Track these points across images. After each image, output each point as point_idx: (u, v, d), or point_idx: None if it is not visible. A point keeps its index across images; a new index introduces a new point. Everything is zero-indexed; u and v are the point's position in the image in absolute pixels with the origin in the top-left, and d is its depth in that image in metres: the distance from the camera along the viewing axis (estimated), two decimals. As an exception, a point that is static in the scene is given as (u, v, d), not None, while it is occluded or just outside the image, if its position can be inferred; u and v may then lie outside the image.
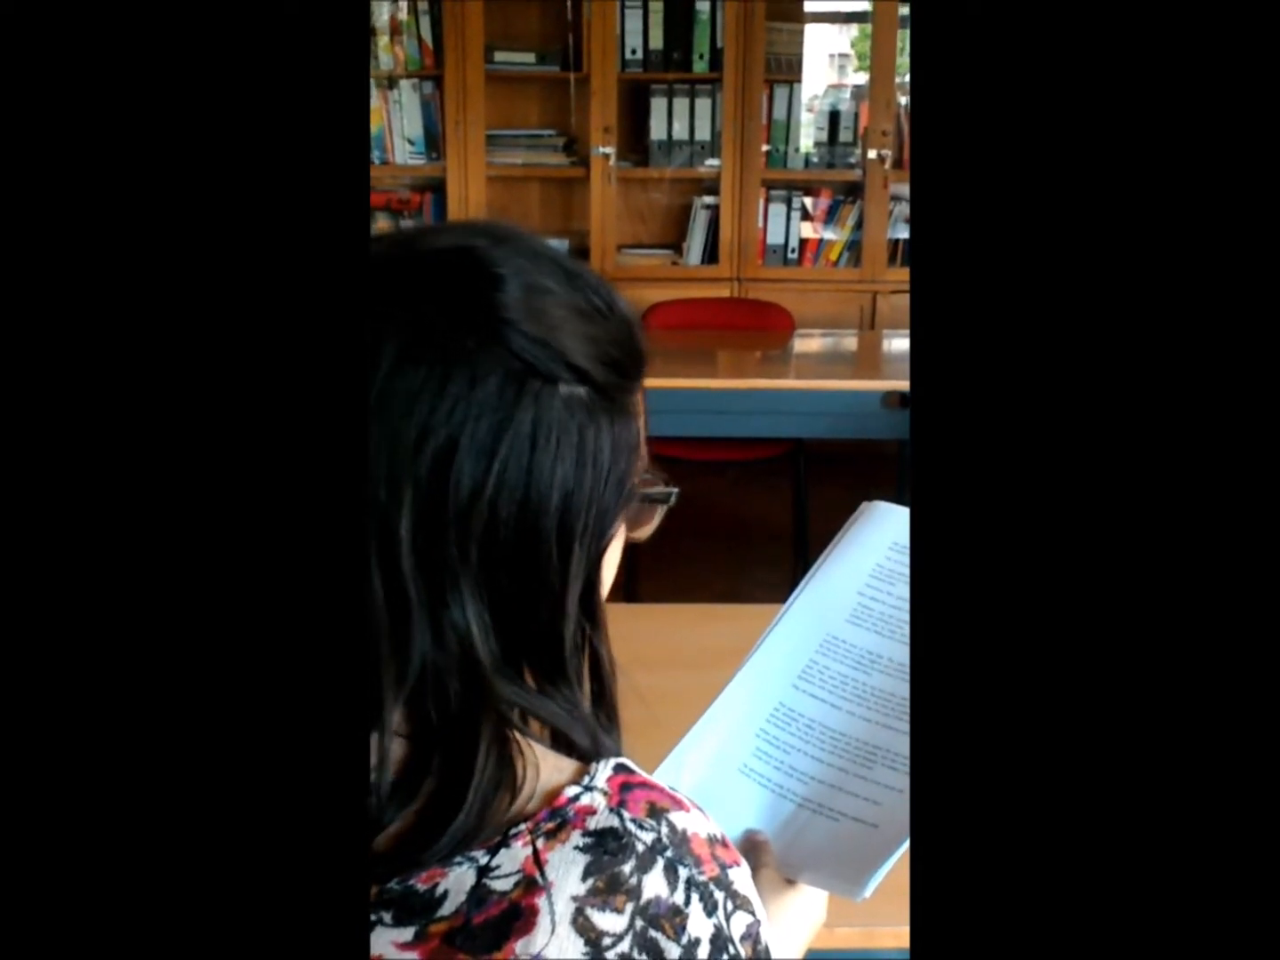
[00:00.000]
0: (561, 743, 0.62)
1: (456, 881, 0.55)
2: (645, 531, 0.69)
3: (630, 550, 0.69)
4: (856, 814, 0.84)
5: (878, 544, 0.95)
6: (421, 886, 0.55)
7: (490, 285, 0.59)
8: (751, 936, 0.58)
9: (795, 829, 0.86)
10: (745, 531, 3.77)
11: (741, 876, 0.59)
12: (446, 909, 0.55)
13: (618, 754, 0.62)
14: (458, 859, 0.56)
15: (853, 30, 5.44)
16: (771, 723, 0.91)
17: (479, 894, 0.55)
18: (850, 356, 3.83)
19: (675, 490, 0.68)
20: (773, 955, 0.60)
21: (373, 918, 0.55)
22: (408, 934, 0.55)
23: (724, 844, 0.60)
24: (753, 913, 0.59)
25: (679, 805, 0.59)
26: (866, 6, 4.27)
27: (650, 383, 0.66)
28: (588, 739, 0.62)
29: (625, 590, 3.06)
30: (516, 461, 0.58)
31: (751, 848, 0.84)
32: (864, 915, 0.98)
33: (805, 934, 0.84)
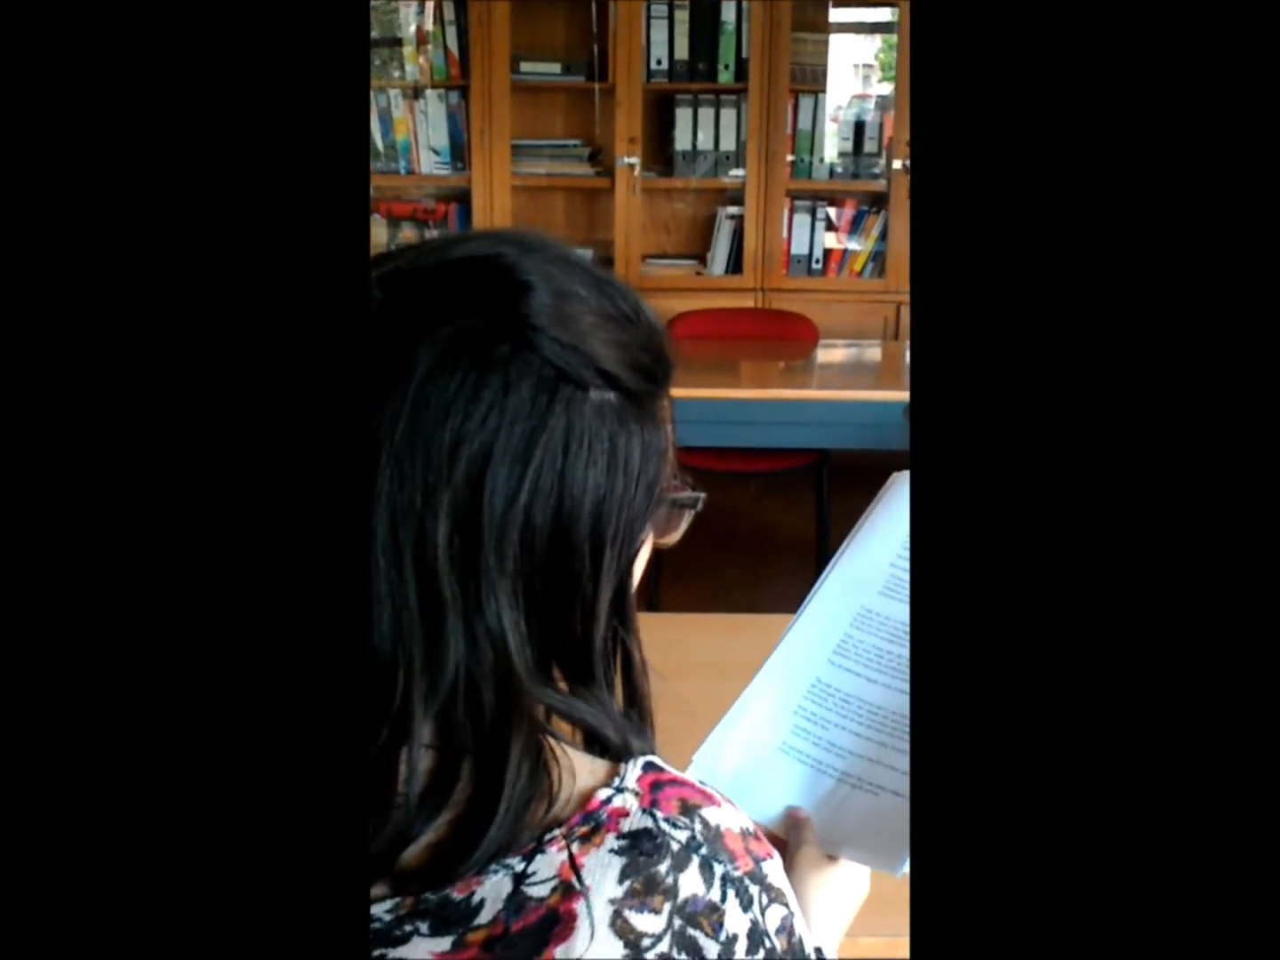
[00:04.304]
0: (594, 744, 0.63)
1: (493, 889, 0.55)
2: (673, 537, 0.69)
3: (653, 560, 0.69)
4: (895, 787, 0.84)
5: (907, 515, 0.95)
6: (458, 895, 0.56)
7: (520, 293, 0.59)
8: (786, 929, 0.58)
9: (835, 804, 0.86)
10: (767, 542, 3.77)
11: (774, 869, 0.59)
12: (484, 917, 0.55)
13: (649, 752, 0.62)
14: (493, 867, 0.56)
15: (877, 41, 5.43)
16: (809, 699, 0.91)
17: (517, 901, 0.55)
18: (874, 367, 3.82)
19: (702, 495, 0.68)
20: (806, 946, 0.60)
21: (408, 928, 0.55)
22: (445, 943, 0.55)
23: (756, 837, 0.60)
24: (786, 905, 0.59)
25: (710, 800, 0.59)
26: (891, 17, 4.27)
27: (674, 392, 0.66)
28: (619, 738, 0.63)
29: (647, 600, 3.06)
30: (550, 468, 0.58)
31: (793, 825, 0.85)
32: (887, 925, 0.98)
33: (848, 910, 0.84)
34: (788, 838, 0.86)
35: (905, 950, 1.09)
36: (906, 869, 0.80)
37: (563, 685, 0.64)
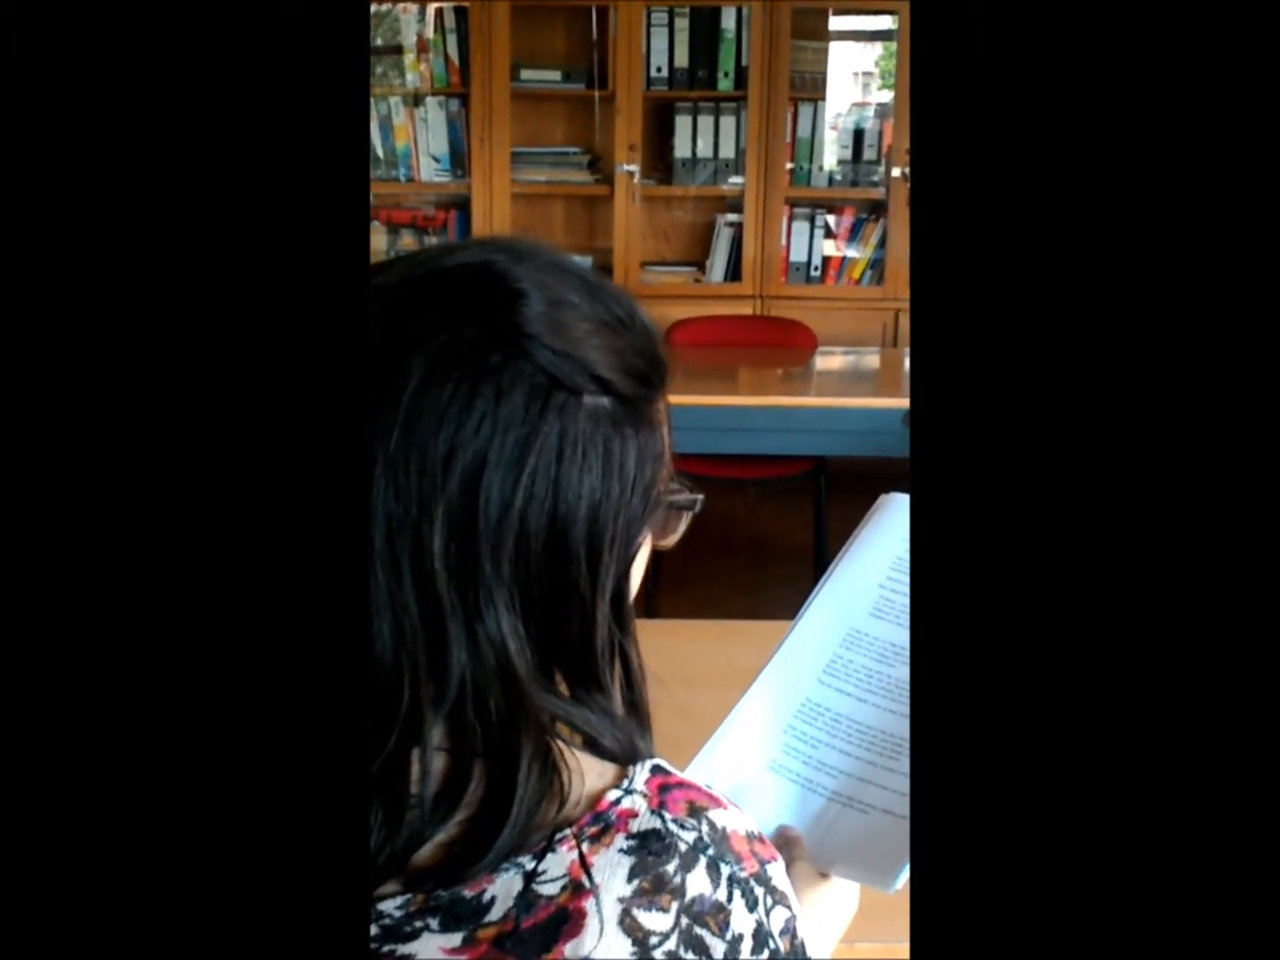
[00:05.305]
0: (597, 748, 0.63)
1: (504, 887, 0.56)
2: (671, 540, 0.69)
3: (651, 566, 0.70)
4: (886, 806, 0.85)
5: (896, 535, 0.95)
6: (469, 893, 0.56)
7: (513, 301, 0.60)
8: (789, 931, 0.59)
9: (826, 823, 0.86)
10: (766, 549, 3.77)
11: (778, 871, 0.60)
12: (495, 914, 0.56)
13: (651, 756, 0.63)
14: (504, 865, 0.57)
15: (877, 48, 5.45)
16: (799, 718, 0.91)
17: (527, 899, 0.56)
18: (872, 374, 3.83)
19: (700, 497, 0.68)
20: (807, 948, 0.61)
21: (419, 924, 0.56)
22: (456, 939, 0.55)
23: (761, 840, 0.61)
24: (789, 907, 0.60)
25: (717, 803, 0.60)
26: (891, 25, 4.28)
27: (672, 399, 0.67)
28: (622, 744, 0.63)
29: (645, 606, 3.06)
30: (544, 474, 0.59)
31: (784, 843, 0.85)
32: (884, 931, 0.98)
33: (839, 925, 0.85)
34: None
35: (902, 955, 1.09)
36: (898, 886, 0.80)
37: (566, 692, 0.64)
